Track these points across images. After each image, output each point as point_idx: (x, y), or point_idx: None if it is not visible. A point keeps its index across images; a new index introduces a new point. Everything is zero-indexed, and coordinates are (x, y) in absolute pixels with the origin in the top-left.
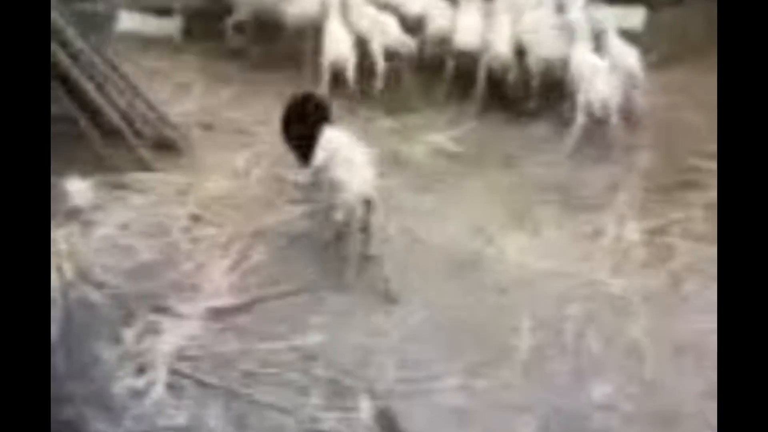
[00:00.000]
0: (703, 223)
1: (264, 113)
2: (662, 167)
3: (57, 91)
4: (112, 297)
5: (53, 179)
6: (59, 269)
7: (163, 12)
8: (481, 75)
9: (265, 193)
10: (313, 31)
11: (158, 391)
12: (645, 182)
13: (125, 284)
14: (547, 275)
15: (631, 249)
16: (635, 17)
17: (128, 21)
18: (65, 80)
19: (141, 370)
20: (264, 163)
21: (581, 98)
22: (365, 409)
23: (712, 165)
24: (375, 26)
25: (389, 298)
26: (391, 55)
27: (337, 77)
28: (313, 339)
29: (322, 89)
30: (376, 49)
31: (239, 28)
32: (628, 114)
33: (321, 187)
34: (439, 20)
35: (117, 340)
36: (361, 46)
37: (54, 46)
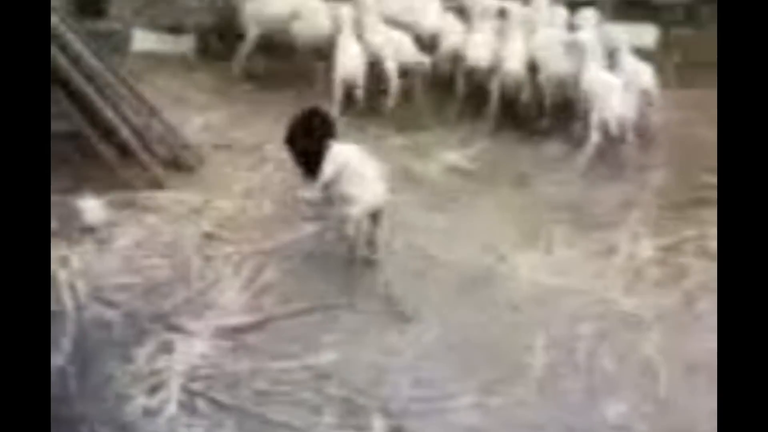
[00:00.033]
0: None
1: (277, 131)
2: (676, 184)
3: (70, 108)
4: (125, 315)
5: (66, 198)
6: (72, 288)
7: (176, 30)
8: (495, 93)
9: (278, 211)
10: (325, 49)
11: (171, 410)
12: (658, 200)
13: (138, 303)
14: (560, 293)
15: (645, 267)
16: (648, 35)
17: (142, 40)
18: (78, 98)
19: (154, 389)
20: (276, 181)
21: (596, 116)
22: (379, 428)
23: None
24: (389, 44)
25: (401, 315)
26: (405, 72)
27: (350, 95)
28: (326, 358)
29: (335, 106)
30: (390, 66)
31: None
32: (642, 132)
33: (332, 203)
34: (452, 38)
35: (130, 359)
36: (375, 63)
37: (68, 64)
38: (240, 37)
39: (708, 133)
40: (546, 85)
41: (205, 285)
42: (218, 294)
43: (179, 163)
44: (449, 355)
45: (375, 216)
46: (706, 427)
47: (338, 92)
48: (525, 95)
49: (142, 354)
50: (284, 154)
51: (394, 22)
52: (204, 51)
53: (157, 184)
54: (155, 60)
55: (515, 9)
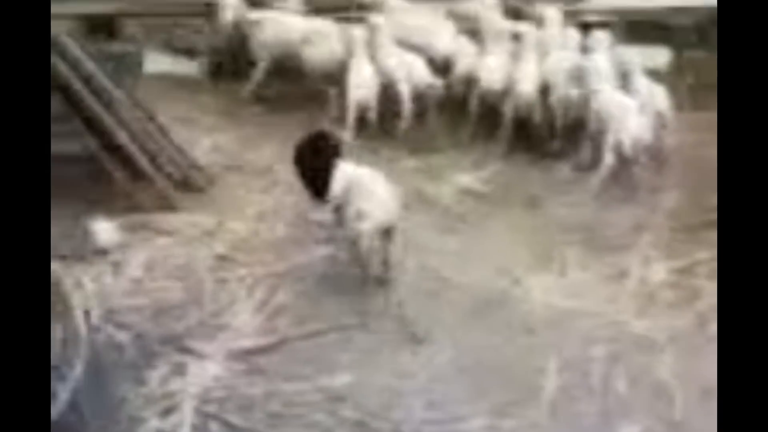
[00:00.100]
0: None
1: (287, 154)
2: (688, 207)
3: (82, 130)
4: (138, 338)
5: (79, 221)
6: (86, 310)
7: (188, 52)
8: (508, 115)
9: (290, 233)
10: (338, 72)
11: None
12: (671, 222)
13: (151, 325)
14: (573, 315)
15: (657, 289)
16: (661, 57)
17: (155, 61)
18: (90, 120)
19: (167, 412)
20: (289, 203)
21: (611, 138)
22: None
23: None
24: (402, 66)
25: (414, 337)
26: (418, 95)
27: (363, 117)
28: (339, 380)
29: (348, 129)
30: (403, 89)
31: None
32: (655, 154)
33: (343, 223)
34: (465, 60)
35: (143, 381)
36: (388, 86)
37: (80, 87)
38: (251, 63)
39: None
40: (557, 107)
41: (218, 307)
42: (231, 316)
43: (189, 184)
44: (462, 377)
45: (388, 233)
46: None
47: (351, 115)
48: (537, 117)
49: (155, 376)
50: (295, 177)
51: (407, 45)
52: (215, 73)
53: (169, 207)
54: (167, 81)
55: (528, 32)
